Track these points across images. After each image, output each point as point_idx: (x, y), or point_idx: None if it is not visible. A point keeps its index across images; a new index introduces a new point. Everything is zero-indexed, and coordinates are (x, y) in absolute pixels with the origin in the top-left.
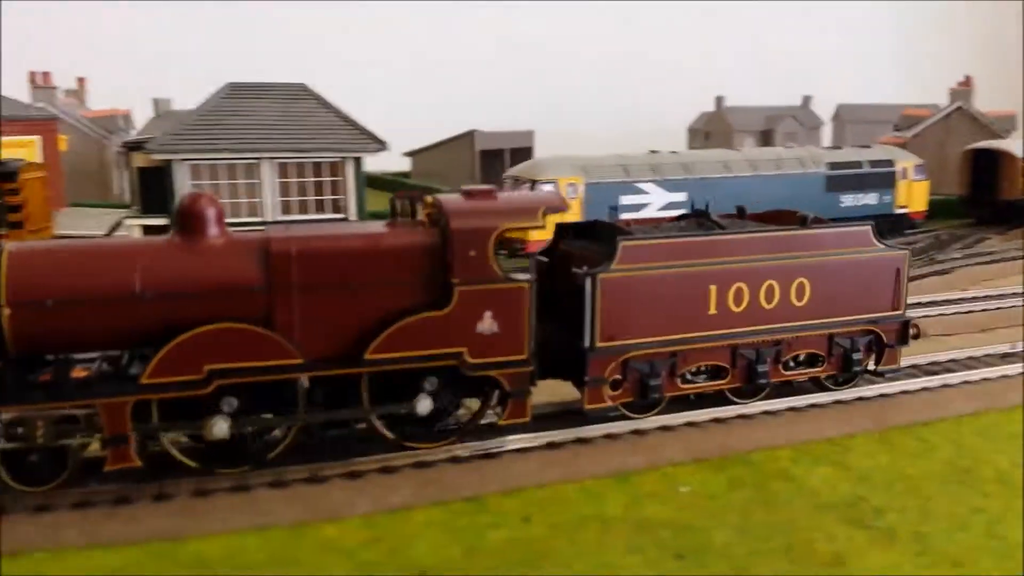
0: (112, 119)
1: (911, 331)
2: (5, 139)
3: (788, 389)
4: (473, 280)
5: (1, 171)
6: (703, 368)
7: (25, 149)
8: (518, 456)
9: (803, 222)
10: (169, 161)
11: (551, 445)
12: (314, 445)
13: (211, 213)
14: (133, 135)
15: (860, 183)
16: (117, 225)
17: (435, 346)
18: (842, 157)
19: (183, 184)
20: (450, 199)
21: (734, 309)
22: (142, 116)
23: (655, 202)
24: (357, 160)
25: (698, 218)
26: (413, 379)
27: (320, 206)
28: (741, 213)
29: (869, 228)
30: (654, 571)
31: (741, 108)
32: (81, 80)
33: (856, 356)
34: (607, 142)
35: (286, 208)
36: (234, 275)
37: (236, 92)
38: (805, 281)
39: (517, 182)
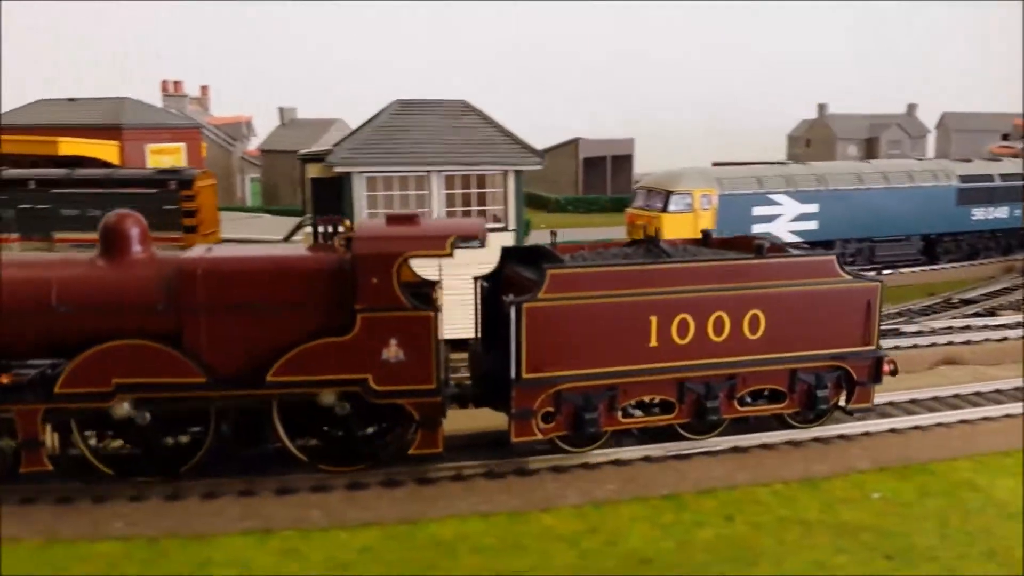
0: (236, 126)
1: (886, 367)
2: (154, 146)
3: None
4: (377, 307)
5: (179, 179)
6: (653, 401)
7: (171, 156)
8: (709, 458)
9: (759, 251)
10: (347, 173)
11: (736, 449)
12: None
13: (134, 232)
14: (254, 142)
15: (991, 197)
16: (298, 229)
17: (339, 371)
18: (973, 170)
19: (360, 194)
20: (366, 224)
21: (678, 341)
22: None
23: (787, 213)
24: (517, 172)
25: (647, 245)
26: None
27: (482, 216)
28: (706, 239)
29: (833, 258)
30: (866, 570)
31: (844, 115)
32: (204, 88)
33: (822, 393)
34: (694, 150)
35: (451, 217)
36: (144, 293)
37: (404, 108)
38: (759, 313)
39: (651, 193)
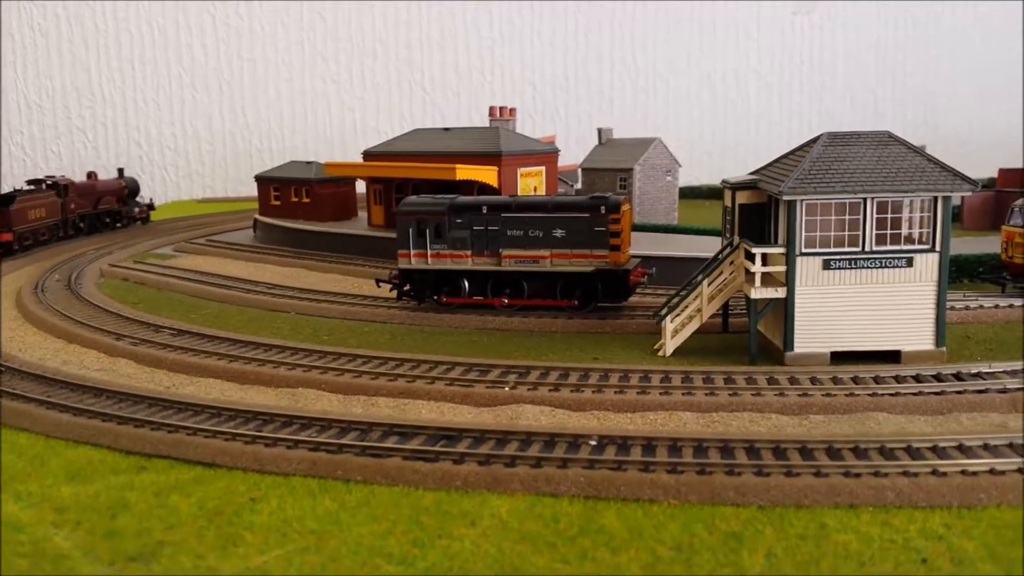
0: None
1: None
2: (523, 169)
3: None
4: None
5: (607, 204)
6: None
7: (535, 179)
8: None
9: None
10: (792, 200)
11: None
12: None
13: None
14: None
15: None
16: (731, 248)
17: None
18: None
19: (799, 220)
20: None
21: None
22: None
23: None
24: (947, 198)
25: None
26: None
27: (908, 239)
28: None
29: None
30: None
31: None
32: (512, 110)
33: None
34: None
35: (880, 240)
36: None
37: (834, 140)
38: None
39: None
